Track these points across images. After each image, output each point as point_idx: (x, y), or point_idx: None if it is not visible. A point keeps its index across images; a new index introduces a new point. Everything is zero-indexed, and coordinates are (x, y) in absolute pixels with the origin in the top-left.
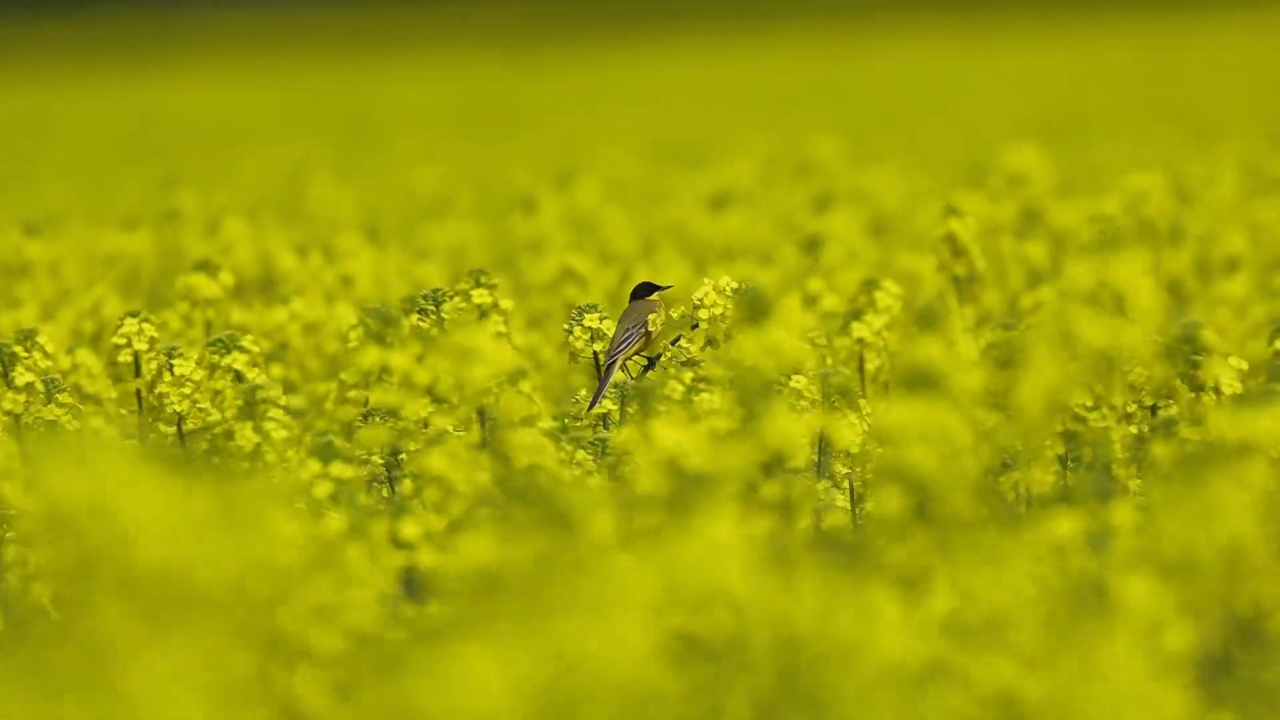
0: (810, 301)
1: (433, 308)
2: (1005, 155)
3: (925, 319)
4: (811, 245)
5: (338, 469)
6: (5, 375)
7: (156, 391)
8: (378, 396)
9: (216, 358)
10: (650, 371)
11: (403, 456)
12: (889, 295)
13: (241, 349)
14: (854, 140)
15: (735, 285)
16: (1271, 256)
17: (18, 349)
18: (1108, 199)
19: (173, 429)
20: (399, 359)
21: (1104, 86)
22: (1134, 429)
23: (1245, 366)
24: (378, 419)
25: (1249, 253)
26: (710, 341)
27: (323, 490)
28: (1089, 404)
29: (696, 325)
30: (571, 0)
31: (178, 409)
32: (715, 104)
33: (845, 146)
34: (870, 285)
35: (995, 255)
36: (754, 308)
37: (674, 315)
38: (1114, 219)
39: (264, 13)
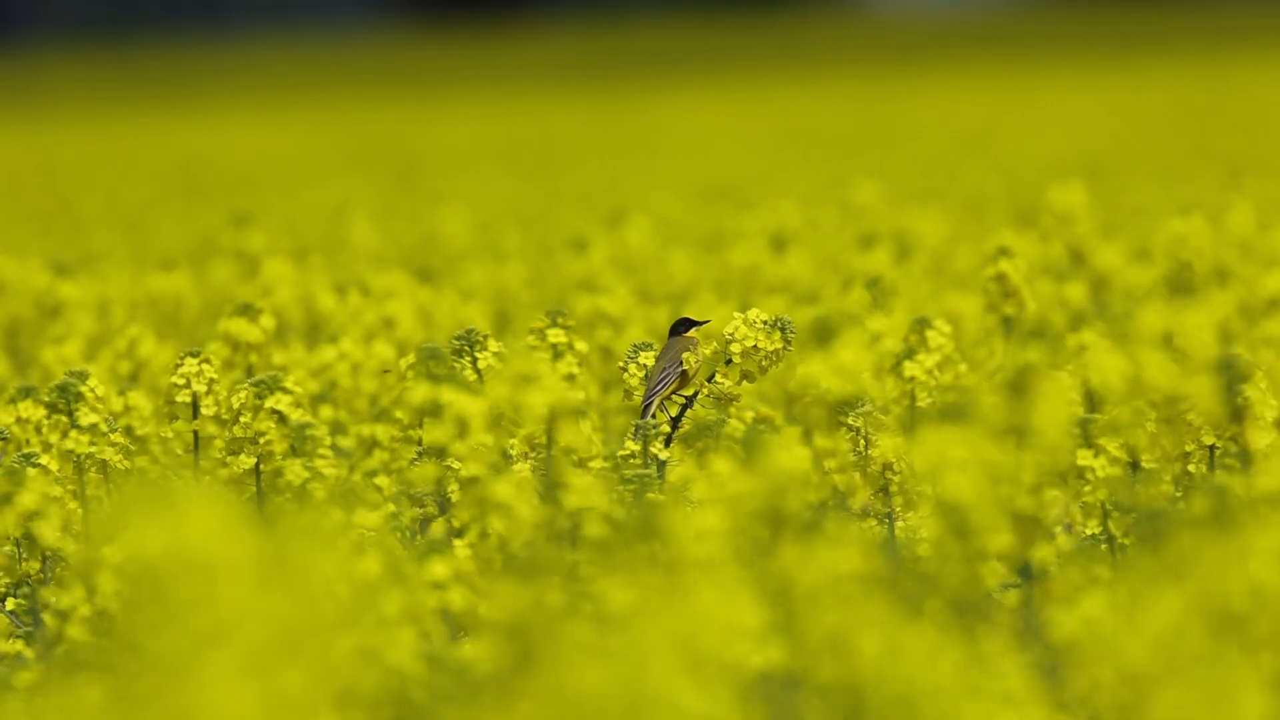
0: (873, 340)
1: (468, 349)
2: (1052, 194)
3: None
4: (873, 284)
5: (362, 517)
6: (70, 414)
7: (243, 422)
8: (430, 435)
9: (260, 399)
10: (689, 410)
11: (452, 495)
12: (940, 334)
13: (285, 390)
14: (897, 182)
15: (767, 318)
16: None
17: (84, 389)
18: (1151, 242)
19: (252, 462)
20: (450, 396)
21: (1147, 129)
22: (1192, 468)
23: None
24: (429, 458)
25: None
26: (746, 376)
27: (359, 532)
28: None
29: (730, 360)
30: (619, 42)
31: (275, 448)
32: (761, 146)
33: (888, 188)
34: (922, 324)
35: (1040, 295)
36: (820, 333)
37: (706, 352)
38: (1177, 262)
39: (311, 51)
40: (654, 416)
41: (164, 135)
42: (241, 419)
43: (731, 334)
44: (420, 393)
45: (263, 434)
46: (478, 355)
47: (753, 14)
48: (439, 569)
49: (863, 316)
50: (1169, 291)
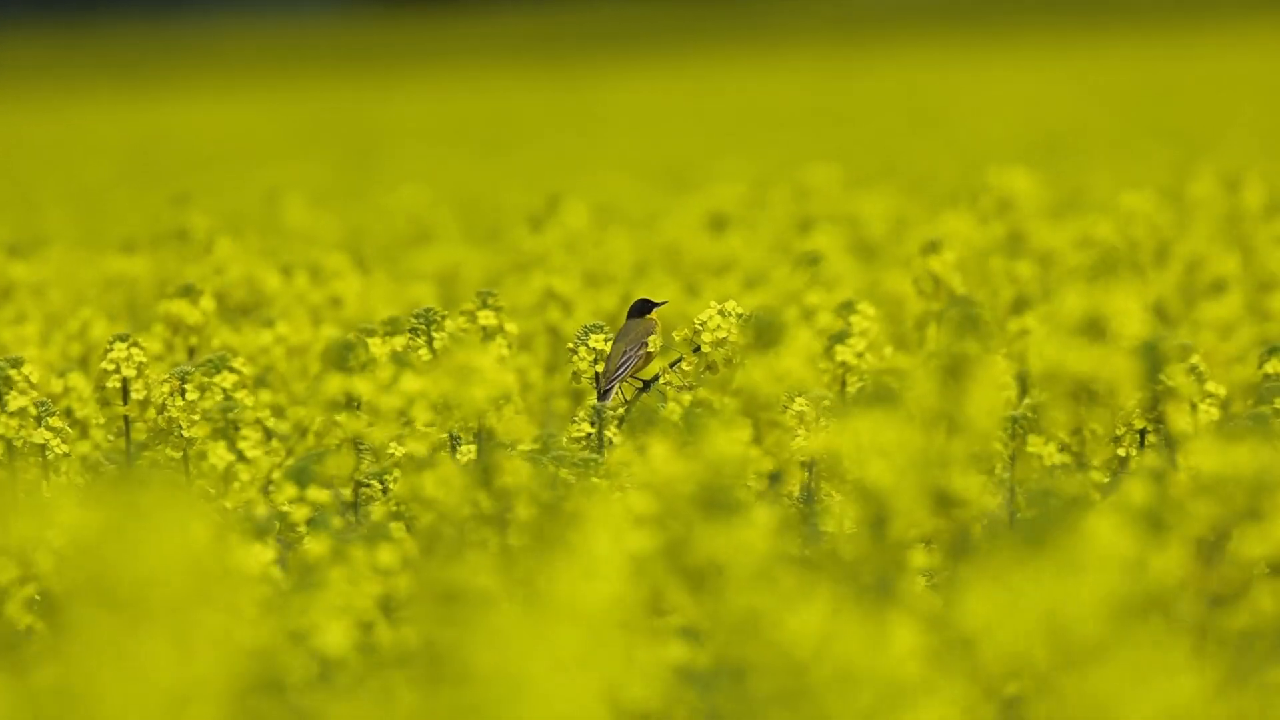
0: (808, 315)
1: (424, 328)
2: (992, 176)
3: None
4: (812, 260)
5: (314, 493)
6: None
7: (167, 415)
8: (349, 424)
9: (206, 378)
10: (645, 393)
11: (377, 484)
12: (865, 318)
13: (231, 369)
14: (847, 160)
15: (739, 310)
16: (1262, 278)
17: (12, 372)
18: (1099, 221)
19: (180, 454)
20: (363, 386)
21: (1101, 106)
22: (1121, 452)
23: (1222, 391)
24: (346, 446)
25: (1238, 274)
26: (709, 366)
27: (299, 514)
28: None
29: (698, 349)
30: (574, 21)
31: (189, 435)
32: (713, 124)
33: (838, 167)
34: (847, 308)
35: (984, 277)
36: (763, 335)
37: (676, 337)
38: (1105, 243)
39: (266, 29)
40: (612, 398)
41: (122, 116)
42: (167, 409)
43: (704, 323)
44: (333, 384)
45: (192, 420)
46: (434, 335)
47: None
48: (385, 555)
49: (802, 294)
50: (1100, 272)
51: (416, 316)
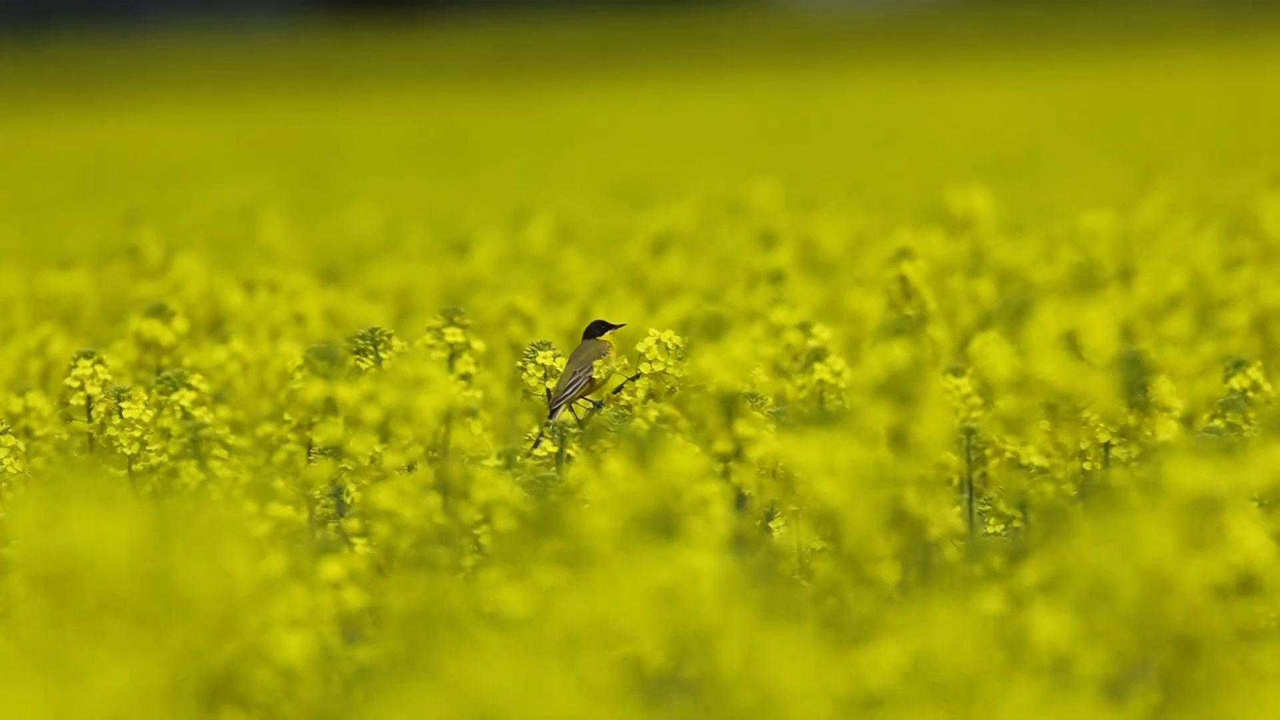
0: (774, 332)
1: (371, 348)
2: (950, 195)
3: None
4: (775, 278)
5: (275, 509)
6: None
7: (106, 434)
8: (324, 433)
9: (164, 396)
10: (596, 414)
11: (347, 497)
12: (818, 340)
13: (190, 387)
14: (807, 178)
15: (678, 342)
16: (1219, 294)
17: None
18: (1059, 240)
19: (123, 471)
20: (345, 393)
21: (1058, 127)
22: (1086, 465)
23: (1180, 405)
24: (323, 456)
25: (1195, 291)
26: (652, 395)
27: (261, 529)
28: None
29: (638, 376)
30: (532, 39)
31: (127, 452)
32: (672, 143)
33: (796, 186)
34: (805, 327)
35: (945, 293)
36: (711, 329)
37: (616, 367)
38: (1070, 261)
39: (221, 46)
40: (559, 418)
41: (75, 132)
42: (106, 430)
43: (643, 353)
44: (314, 390)
45: (132, 437)
46: (382, 355)
47: (668, 11)
48: (333, 568)
49: (766, 312)
50: (1071, 288)
51: (362, 337)
